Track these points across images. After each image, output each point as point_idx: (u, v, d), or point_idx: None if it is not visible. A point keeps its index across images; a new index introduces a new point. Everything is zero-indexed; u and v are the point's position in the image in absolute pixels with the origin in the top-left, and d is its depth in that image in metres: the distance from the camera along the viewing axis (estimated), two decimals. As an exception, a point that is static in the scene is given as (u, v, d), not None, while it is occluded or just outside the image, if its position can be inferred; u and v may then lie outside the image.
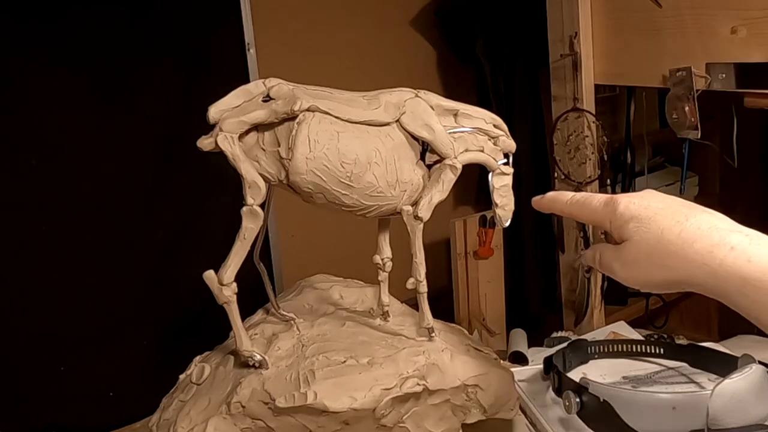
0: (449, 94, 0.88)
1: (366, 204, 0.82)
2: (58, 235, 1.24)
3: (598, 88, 1.48)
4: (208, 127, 0.80)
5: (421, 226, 0.85)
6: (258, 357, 0.83)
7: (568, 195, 0.71)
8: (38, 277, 1.23)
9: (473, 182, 1.84)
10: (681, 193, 1.58)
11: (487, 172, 0.89)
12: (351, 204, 0.82)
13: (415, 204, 0.85)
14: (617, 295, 1.91)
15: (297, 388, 0.79)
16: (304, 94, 0.80)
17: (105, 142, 1.28)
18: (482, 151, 0.88)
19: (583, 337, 1.23)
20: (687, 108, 1.25)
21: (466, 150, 0.86)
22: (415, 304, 0.91)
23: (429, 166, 0.86)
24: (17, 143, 1.19)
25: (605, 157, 1.47)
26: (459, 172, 0.85)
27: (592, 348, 1.09)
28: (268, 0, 1.57)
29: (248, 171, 0.78)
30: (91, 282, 1.28)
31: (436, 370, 0.84)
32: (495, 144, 0.88)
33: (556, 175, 1.51)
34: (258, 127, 0.80)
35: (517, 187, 0.90)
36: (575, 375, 0.95)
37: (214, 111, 0.79)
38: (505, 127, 0.89)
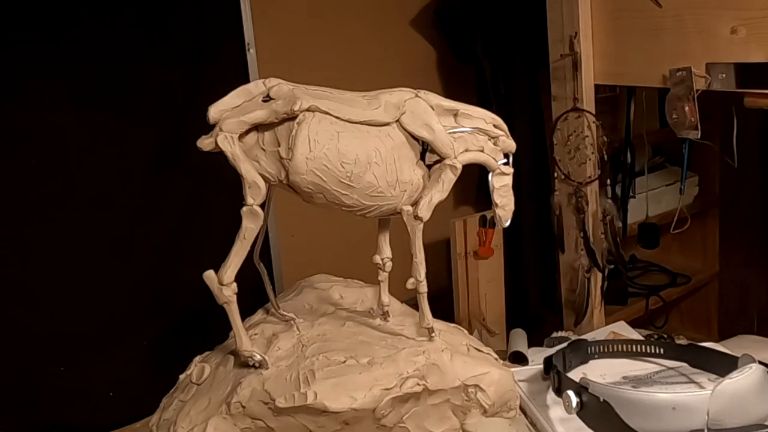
0: (449, 94, 0.88)
1: (366, 204, 0.82)
2: (58, 235, 1.24)
3: (598, 88, 1.48)
4: (208, 127, 0.80)
5: (421, 226, 0.85)
6: (258, 357, 0.84)
7: None
8: (38, 277, 1.23)
9: (473, 182, 1.83)
10: (681, 193, 1.58)
11: (487, 172, 0.89)
12: (351, 204, 0.82)
13: (415, 204, 0.85)
14: (617, 295, 1.91)
15: (297, 388, 0.79)
16: (304, 94, 0.80)
17: (105, 142, 1.28)
18: (482, 151, 0.88)
19: (583, 337, 1.22)
20: (687, 108, 1.25)
21: (466, 150, 0.86)
22: (415, 304, 0.91)
23: (429, 166, 0.86)
24: (17, 143, 1.19)
25: (605, 157, 1.47)
26: (459, 172, 0.85)
27: (592, 348, 1.09)
28: (268, 0, 1.57)
29: (248, 171, 0.78)
30: (91, 282, 1.28)
31: (436, 370, 0.84)
32: (495, 144, 0.88)
33: (556, 175, 1.51)
34: (258, 127, 0.80)
35: (517, 187, 0.90)
36: (575, 375, 0.95)
37: (214, 111, 0.79)
38: (505, 127, 0.89)
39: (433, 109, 0.85)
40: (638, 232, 1.91)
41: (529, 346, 1.33)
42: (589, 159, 1.46)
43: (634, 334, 1.31)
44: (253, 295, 0.93)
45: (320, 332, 0.90)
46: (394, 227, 0.90)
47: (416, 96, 0.85)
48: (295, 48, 1.66)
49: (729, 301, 2.20)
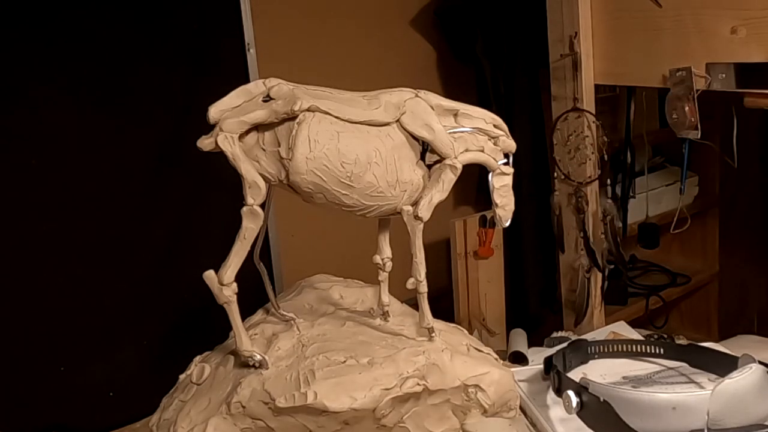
0: (449, 94, 0.88)
1: (366, 204, 0.82)
2: (58, 235, 1.24)
3: (598, 88, 1.48)
4: (208, 127, 0.80)
5: (421, 226, 0.85)
6: (258, 357, 0.84)
7: None
8: (38, 277, 1.23)
9: (473, 182, 1.83)
10: (681, 193, 1.58)
11: (487, 172, 0.89)
12: (351, 204, 0.82)
13: (415, 204, 0.85)
14: (617, 295, 1.91)
15: (297, 388, 0.79)
16: (304, 94, 0.80)
17: (105, 142, 1.28)
18: (482, 151, 0.88)
19: (583, 337, 1.22)
20: (687, 108, 1.25)
21: (466, 150, 0.86)
22: (415, 304, 0.91)
23: (429, 166, 0.86)
24: (17, 143, 1.19)
25: (605, 157, 1.47)
26: (459, 172, 0.85)
27: (592, 348, 1.09)
28: (268, 0, 1.57)
29: (248, 171, 0.78)
30: (91, 282, 1.28)
31: (436, 370, 0.84)
32: (495, 144, 0.88)
33: (556, 175, 1.51)
34: (258, 127, 0.80)
35: (517, 187, 0.90)
36: (575, 375, 0.95)
37: (215, 111, 0.79)
38: (505, 127, 0.89)
39: (433, 109, 0.85)
40: (638, 232, 1.91)
41: (529, 346, 1.33)
42: (589, 159, 1.46)
43: (634, 334, 1.31)
44: (253, 295, 0.93)
45: (320, 332, 0.90)
46: (394, 227, 0.90)
47: (416, 96, 0.85)
48: (295, 48, 1.66)
49: (729, 301, 2.20)
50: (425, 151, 0.86)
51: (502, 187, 0.89)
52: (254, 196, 0.78)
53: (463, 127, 0.86)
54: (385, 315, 0.92)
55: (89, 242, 1.27)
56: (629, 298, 1.99)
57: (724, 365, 0.98)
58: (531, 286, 1.95)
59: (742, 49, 1.18)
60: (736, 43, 1.19)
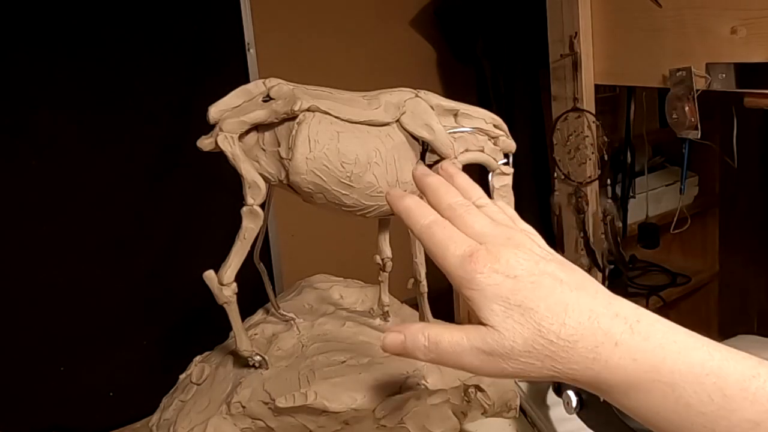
0: (449, 94, 0.88)
1: (366, 204, 0.82)
2: (58, 235, 1.24)
3: (598, 88, 1.48)
4: (208, 127, 0.80)
5: (421, 226, 0.84)
6: (258, 357, 0.83)
7: (428, 215, 0.54)
8: (38, 277, 1.23)
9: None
10: (681, 193, 1.58)
11: (487, 172, 0.89)
12: (351, 204, 0.82)
13: (415, 204, 0.85)
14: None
15: (297, 388, 0.79)
16: (304, 94, 0.80)
17: (105, 143, 1.28)
18: (482, 151, 0.88)
19: (583, 337, 1.22)
20: (687, 108, 1.25)
21: (466, 150, 0.86)
22: (415, 304, 0.91)
23: (429, 166, 0.86)
24: (17, 143, 1.19)
25: (605, 157, 1.47)
26: (459, 172, 0.85)
27: (592, 348, 1.08)
28: (268, 0, 1.57)
29: (248, 171, 0.78)
30: (91, 282, 1.28)
31: (436, 370, 0.84)
32: (495, 144, 0.88)
33: (556, 175, 1.51)
34: (258, 127, 0.80)
35: (517, 187, 0.90)
36: (575, 375, 0.95)
37: (215, 111, 0.79)
38: (505, 127, 0.89)
39: (433, 109, 0.85)
40: (638, 232, 1.91)
41: (529, 346, 1.33)
42: (589, 159, 1.46)
43: (634, 334, 1.30)
44: (253, 295, 0.93)
45: (320, 332, 0.90)
46: (394, 227, 0.90)
47: (416, 96, 0.85)
48: (295, 48, 1.66)
49: (729, 301, 2.20)
50: (425, 151, 0.85)
51: (502, 187, 0.89)
52: (254, 196, 0.78)
53: (463, 127, 0.86)
54: (385, 315, 0.92)
55: (89, 242, 1.28)
56: (629, 298, 1.98)
57: (724, 365, 0.98)
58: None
59: (742, 49, 1.18)
60: (736, 43, 1.19)
